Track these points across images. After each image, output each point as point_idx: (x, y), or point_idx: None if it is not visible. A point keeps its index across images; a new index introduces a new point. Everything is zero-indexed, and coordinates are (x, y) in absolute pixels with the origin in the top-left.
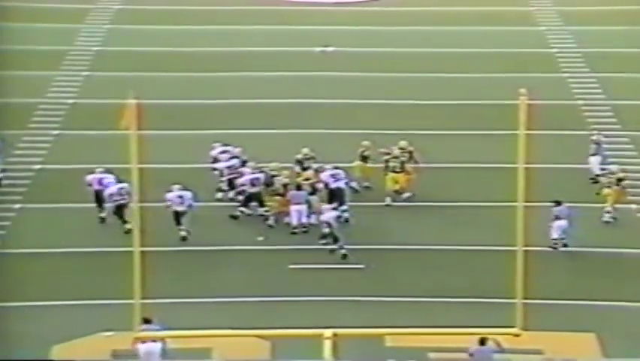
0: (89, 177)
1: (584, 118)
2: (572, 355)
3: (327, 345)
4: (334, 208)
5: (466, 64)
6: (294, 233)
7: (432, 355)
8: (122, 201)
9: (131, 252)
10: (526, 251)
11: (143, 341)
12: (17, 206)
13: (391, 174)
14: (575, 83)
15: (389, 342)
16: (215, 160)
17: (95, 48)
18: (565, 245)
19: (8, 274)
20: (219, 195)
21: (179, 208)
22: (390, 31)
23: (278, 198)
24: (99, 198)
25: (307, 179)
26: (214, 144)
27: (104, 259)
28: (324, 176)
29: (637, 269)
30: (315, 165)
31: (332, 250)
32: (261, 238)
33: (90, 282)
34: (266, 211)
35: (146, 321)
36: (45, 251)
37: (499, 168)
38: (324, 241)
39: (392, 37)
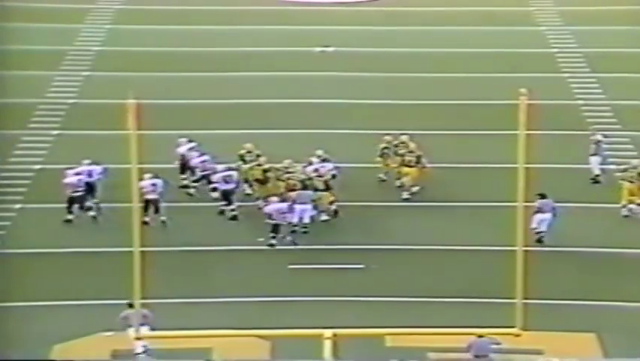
0: (78, 169)
1: (584, 118)
2: (572, 355)
3: (327, 345)
4: (283, 200)
5: (466, 64)
6: (294, 232)
7: (432, 355)
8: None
9: (131, 252)
10: (526, 251)
11: (130, 325)
12: (17, 206)
13: (406, 169)
14: (575, 83)
15: (389, 342)
16: (183, 157)
17: (95, 48)
18: (539, 240)
19: (8, 274)
20: (192, 191)
21: (151, 196)
22: (390, 31)
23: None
24: (90, 190)
25: (260, 165)
26: (180, 140)
27: (103, 259)
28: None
29: (637, 269)
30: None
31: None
32: (261, 239)
33: (90, 282)
34: (232, 210)
35: (130, 305)
36: (45, 251)
37: (499, 168)
38: (272, 235)
39: (392, 37)
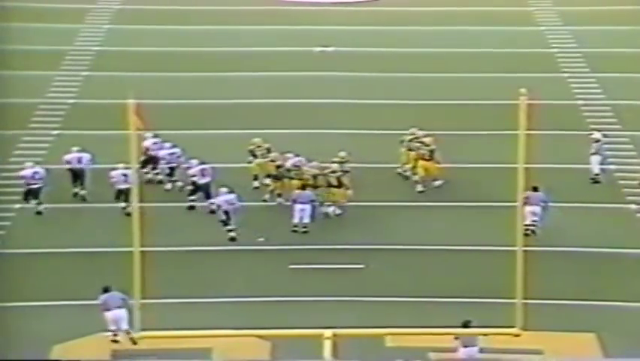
0: (68, 156)
1: (584, 118)
2: (572, 355)
3: (327, 345)
4: (230, 191)
5: (466, 64)
6: (295, 231)
7: (432, 355)
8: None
9: (131, 252)
10: (526, 251)
11: (108, 308)
12: (17, 206)
13: (422, 162)
14: (575, 83)
15: (389, 342)
16: (147, 150)
17: (95, 48)
18: (526, 234)
19: (8, 274)
20: (169, 186)
21: (123, 186)
22: (390, 31)
23: (308, 187)
24: (76, 176)
25: (273, 160)
26: (146, 134)
27: (104, 259)
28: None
29: (637, 269)
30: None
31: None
32: (261, 239)
33: (90, 282)
34: (211, 204)
35: (106, 290)
36: (45, 251)
37: (499, 168)
38: (227, 228)
39: (392, 37)
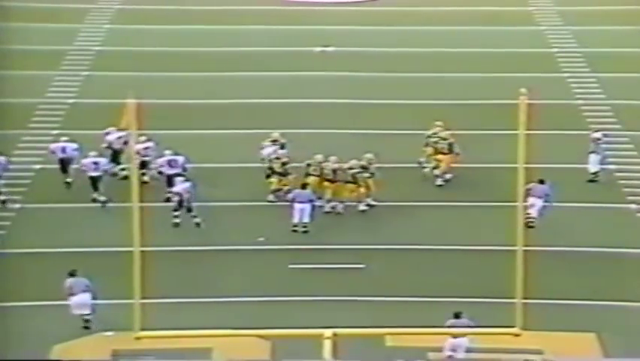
0: (53, 146)
1: (584, 118)
2: (572, 355)
3: (327, 345)
4: (186, 180)
5: (466, 64)
6: (295, 231)
7: (432, 355)
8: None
9: (131, 252)
10: (526, 251)
11: (73, 293)
12: (17, 206)
13: (440, 156)
14: (575, 83)
15: (389, 342)
16: (110, 144)
17: (95, 48)
18: (529, 226)
19: (8, 274)
20: (146, 178)
21: (94, 174)
22: (390, 31)
23: (327, 183)
24: (63, 165)
25: (278, 158)
26: (109, 129)
27: (104, 259)
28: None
29: (637, 269)
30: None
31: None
32: (261, 239)
33: (90, 282)
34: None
35: (71, 274)
36: (45, 251)
37: (499, 168)
38: (176, 213)
39: (392, 37)
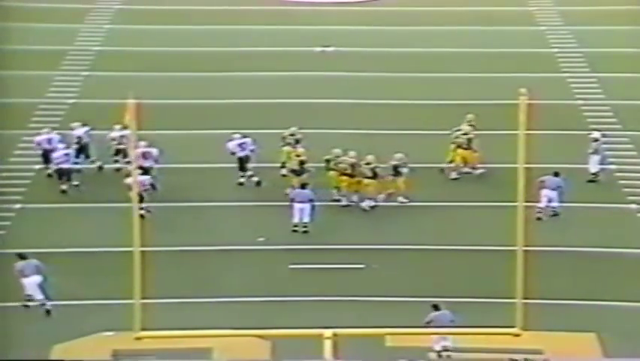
0: (38, 138)
1: (584, 118)
2: (572, 355)
3: (327, 345)
4: (145, 172)
5: (466, 64)
6: (295, 231)
7: (432, 355)
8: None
9: (131, 252)
10: (526, 251)
11: (25, 275)
12: (17, 206)
13: (459, 150)
14: (575, 83)
15: (389, 342)
16: (80, 139)
17: (95, 48)
18: (555, 214)
19: (8, 274)
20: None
21: (65, 166)
22: (390, 31)
23: (345, 177)
24: (46, 158)
25: (298, 155)
26: (73, 124)
27: (104, 259)
28: (232, 145)
29: (637, 269)
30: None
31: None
32: (261, 239)
33: (90, 282)
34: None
35: (22, 257)
36: (45, 251)
37: (499, 168)
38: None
39: (392, 37)
